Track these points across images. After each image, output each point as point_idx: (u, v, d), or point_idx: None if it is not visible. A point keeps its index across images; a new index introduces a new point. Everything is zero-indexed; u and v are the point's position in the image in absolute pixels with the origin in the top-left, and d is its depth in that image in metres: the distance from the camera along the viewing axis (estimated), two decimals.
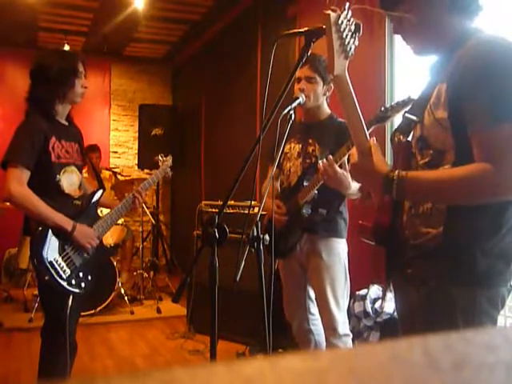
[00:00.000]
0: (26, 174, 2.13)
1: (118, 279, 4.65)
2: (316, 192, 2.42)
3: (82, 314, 4.25)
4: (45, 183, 2.22)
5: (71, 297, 2.20)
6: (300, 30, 1.53)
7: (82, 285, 2.25)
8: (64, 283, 2.18)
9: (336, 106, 2.67)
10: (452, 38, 1.35)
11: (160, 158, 2.87)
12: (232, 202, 3.88)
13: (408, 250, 1.41)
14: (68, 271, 2.20)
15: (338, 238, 2.54)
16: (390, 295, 2.84)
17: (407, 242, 1.41)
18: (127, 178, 5.54)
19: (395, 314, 2.87)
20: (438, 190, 1.28)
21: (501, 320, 2.68)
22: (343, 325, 2.52)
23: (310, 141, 2.58)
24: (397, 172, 1.28)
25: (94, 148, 5.46)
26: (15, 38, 6.32)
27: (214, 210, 4.17)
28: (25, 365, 3.37)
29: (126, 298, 4.80)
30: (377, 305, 3.00)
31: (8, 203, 2.44)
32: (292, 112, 2.15)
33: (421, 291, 1.37)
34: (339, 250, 2.54)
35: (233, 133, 5.56)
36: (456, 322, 1.31)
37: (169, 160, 2.84)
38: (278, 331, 2.59)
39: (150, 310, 4.87)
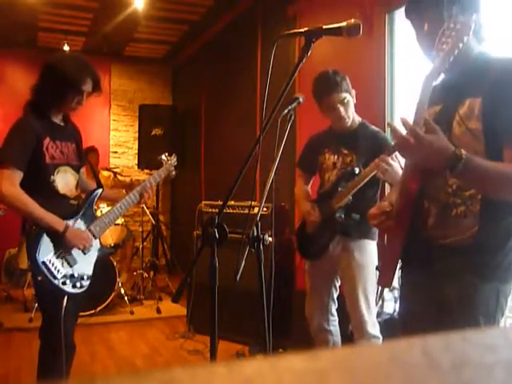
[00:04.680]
0: (18, 175, 2.13)
1: (117, 279, 4.65)
2: (350, 198, 2.48)
3: (82, 314, 4.26)
4: (39, 184, 2.21)
5: (66, 297, 2.18)
6: (300, 30, 1.53)
7: (78, 285, 2.24)
8: (58, 284, 2.16)
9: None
10: (470, 58, 1.49)
11: (164, 157, 2.81)
12: (232, 202, 3.88)
13: (435, 249, 1.52)
14: (62, 271, 2.19)
15: (370, 239, 2.58)
16: (391, 295, 2.84)
17: (432, 241, 1.52)
18: (127, 179, 5.53)
19: (395, 314, 2.88)
20: (497, 180, 1.36)
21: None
22: (373, 326, 2.53)
23: (346, 151, 2.61)
24: (464, 151, 1.32)
25: (92, 150, 5.44)
26: (15, 38, 6.32)
27: (214, 210, 4.17)
28: (25, 365, 3.36)
29: (125, 298, 4.80)
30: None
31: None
32: (292, 112, 2.15)
33: (452, 286, 1.48)
34: (371, 251, 2.56)
35: (233, 133, 5.56)
36: (477, 316, 1.44)
37: (173, 159, 2.79)
38: (278, 331, 2.59)
39: (150, 310, 4.87)
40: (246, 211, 3.72)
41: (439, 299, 1.50)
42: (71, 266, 2.23)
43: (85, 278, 2.28)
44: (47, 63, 2.26)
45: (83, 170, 2.56)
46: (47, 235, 2.17)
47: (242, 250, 1.53)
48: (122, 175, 5.59)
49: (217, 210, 1.66)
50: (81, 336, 3.86)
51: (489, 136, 1.39)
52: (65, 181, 2.30)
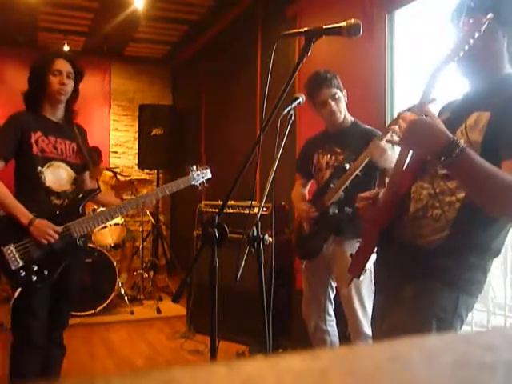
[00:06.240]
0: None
1: (117, 279, 4.65)
2: (342, 193, 2.50)
3: (82, 314, 4.27)
4: (26, 174, 2.32)
5: (19, 289, 2.20)
6: (300, 30, 1.53)
7: (33, 278, 2.23)
8: (10, 274, 2.20)
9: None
10: (496, 77, 1.47)
11: (195, 167, 2.60)
12: (232, 202, 3.88)
13: (407, 249, 1.50)
14: (19, 262, 2.21)
15: None
16: None
17: (405, 240, 1.51)
18: (127, 178, 5.54)
19: None
20: (487, 180, 1.30)
21: (501, 320, 2.68)
22: (369, 327, 2.52)
23: (338, 150, 2.63)
24: (461, 140, 1.30)
25: (93, 150, 5.43)
26: (15, 38, 6.32)
27: (214, 210, 4.17)
28: None
29: (125, 298, 4.80)
30: None
31: None
32: (292, 112, 2.15)
33: (412, 287, 1.48)
34: None
35: (233, 133, 5.56)
36: (430, 319, 1.43)
37: (202, 172, 2.65)
38: (278, 331, 2.59)
39: (150, 310, 4.87)
40: (246, 211, 3.72)
41: (399, 298, 1.50)
42: (32, 258, 2.24)
43: (45, 272, 2.26)
44: None
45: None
46: (13, 224, 2.23)
47: (242, 250, 1.53)
48: (121, 175, 5.59)
49: (217, 210, 1.67)
50: (81, 336, 3.86)
51: (485, 149, 1.37)
52: (55, 175, 2.36)
